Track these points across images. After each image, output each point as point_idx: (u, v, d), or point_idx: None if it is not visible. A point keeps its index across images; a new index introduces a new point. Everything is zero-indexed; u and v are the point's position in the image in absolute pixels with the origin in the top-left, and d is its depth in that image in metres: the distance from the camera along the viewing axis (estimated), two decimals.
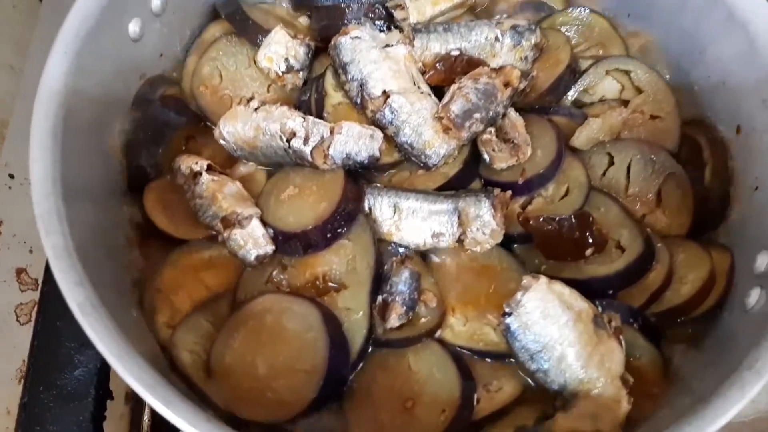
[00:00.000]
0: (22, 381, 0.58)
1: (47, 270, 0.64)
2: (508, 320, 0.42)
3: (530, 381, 0.43)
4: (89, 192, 0.46)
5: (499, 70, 0.49)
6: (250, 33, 0.53)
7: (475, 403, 0.41)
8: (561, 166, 0.48)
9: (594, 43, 0.55)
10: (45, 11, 0.81)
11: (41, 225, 0.41)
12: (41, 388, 0.58)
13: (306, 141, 0.47)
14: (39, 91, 0.42)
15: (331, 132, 0.47)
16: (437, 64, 0.50)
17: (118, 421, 0.59)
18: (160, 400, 0.35)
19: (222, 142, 0.50)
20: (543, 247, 0.45)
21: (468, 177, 0.49)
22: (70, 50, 0.42)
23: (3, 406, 0.58)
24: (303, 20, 0.58)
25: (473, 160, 0.49)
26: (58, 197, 0.42)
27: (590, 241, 0.45)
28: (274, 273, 0.46)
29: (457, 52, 0.50)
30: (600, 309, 0.42)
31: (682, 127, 0.51)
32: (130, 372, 0.36)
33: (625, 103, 0.52)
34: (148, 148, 0.49)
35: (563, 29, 0.55)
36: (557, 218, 0.44)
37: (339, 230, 0.45)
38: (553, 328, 0.41)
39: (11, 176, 0.69)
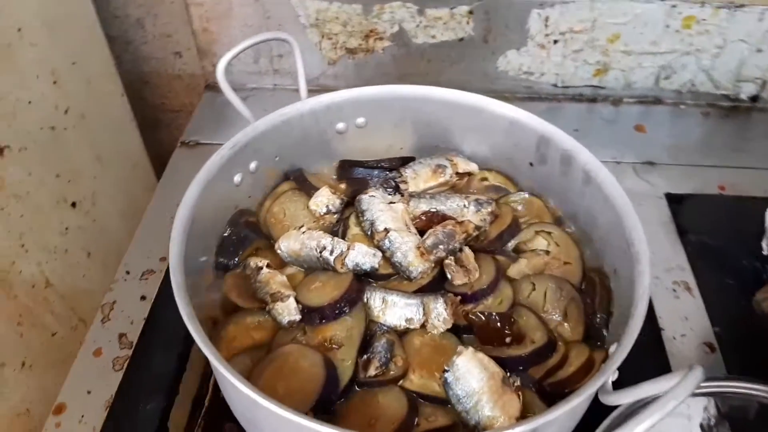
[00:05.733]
0: (108, 408, 0.78)
1: (141, 336, 0.89)
2: (447, 374, 0.62)
3: (458, 419, 0.62)
4: (196, 273, 0.72)
5: (461, 223, 0.76)
6: (307, 189, 0.81)
7: (414, 424, 0.61)
8: (498, 286, 0.72)
9: (534, 215, 0.81)
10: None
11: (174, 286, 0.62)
12: (120, 419, 0.79)
13: (331, 252, 0.73)
14: (179, 208, 0.66)
15: (348, 248, 0.73)
16: (422, 216, 0.77)
17: None
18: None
19: (279, 251, 0.76)
20: (477, 334, 0.67)
21: (434, 287, 0.72)
22: (200, 183, 0.69)
23: (92, 424, 0.78)
24: (342, 186, 0.88)
25: (440, 277, 0.73)
26: (182, 275, 0.64)
27: (509, 332, 0.66)
28: (298, 335, 0.69)
29: (435, 210, 0.78)
30: (508, 374, 0.63)
31: (589, 271, 0.75)
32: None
33: (548, 252, 0.76)
34: (233, 252, 0.76)
35: (513, 204, 0.82)
36: (486, 314, 0.67)
37: (344, 309, 0.68)
38: (474, 381, 0.61)
39: (128, 272, 0.98)
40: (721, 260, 0.97)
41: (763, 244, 0.90)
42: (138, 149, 1.42)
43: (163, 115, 1.59)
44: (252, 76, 1.32)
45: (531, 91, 1.30)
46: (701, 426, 0.74)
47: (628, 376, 0.74)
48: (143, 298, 0.92)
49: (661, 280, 0.94)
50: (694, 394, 0.74)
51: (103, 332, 0.88)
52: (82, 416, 0.79)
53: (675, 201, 1.08)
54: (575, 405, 0.50)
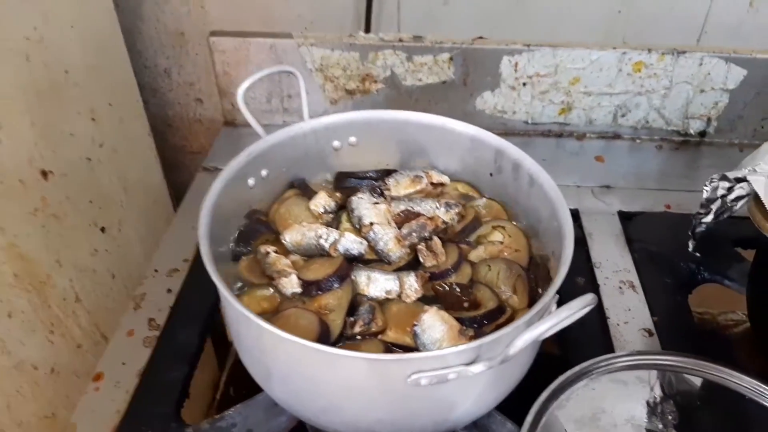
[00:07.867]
0: (140, 376, 0.94)
1: (167, 321, 1.05)
2: (416, 327, 0.78)
3: None
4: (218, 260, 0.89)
5: (432, 218, 0.93)
6: (309, 194, 1.00)
7: None
8: (460, 267, 0.88)
9: (493, 215, 0.98)
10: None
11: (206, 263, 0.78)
12: (150, 384, 0.95)
13: (326, 240, 0.90)
14: (206, 196, 0.84)
15: (340, 236, 0.90)
16: (400, 214, 0.95)
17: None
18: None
19: (284, 242, 0.93)
20: (442, 301, 0.84)
21: (409, 269, 0.89)
22: (223, 180, 0.85)
23: (125, 388, 0.94)
24: (338, 194, 1.06)
25: (415, 262, 0.90)
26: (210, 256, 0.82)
27: (466, 299, 0.83)
28: (299, 304, 0.86)
29: (411, 209, 0.95)
30: (464, 327, 0.79)
31: (534, 255, 0.92)
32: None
33: (502, 242, 0.93)
34: (246, 242, 0.94)
35: (477, 207, 1.00)
36: (449, 284, 0.84)
37: (335, 284, 0.85)
38: (437, 332, 0.77)
39: (156, 270, 1.15)
40: (662, 264, 1.13)
41: (690, 243, 1.06)
42: (160, 185, 1.59)
43: (184, 157, 1.78)
44: (265, 113, 1.53)
45: (505, 128, 1.50)
46: (647, 403, 0.88)
47: (577, 351, 0.91)
48: (169, 290, 1.09)
49: (609, 280, 1.10)
50: (634, 366, 0.89)
51: (134, 317, 1.05)
52: (118, 382, 0.95)
53: (626, 217, 1.26)
54: (500, 336, 0.67)
